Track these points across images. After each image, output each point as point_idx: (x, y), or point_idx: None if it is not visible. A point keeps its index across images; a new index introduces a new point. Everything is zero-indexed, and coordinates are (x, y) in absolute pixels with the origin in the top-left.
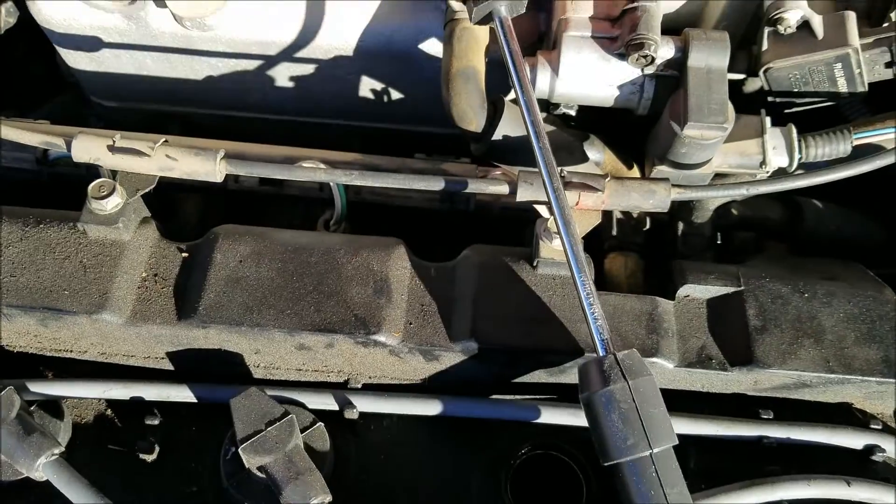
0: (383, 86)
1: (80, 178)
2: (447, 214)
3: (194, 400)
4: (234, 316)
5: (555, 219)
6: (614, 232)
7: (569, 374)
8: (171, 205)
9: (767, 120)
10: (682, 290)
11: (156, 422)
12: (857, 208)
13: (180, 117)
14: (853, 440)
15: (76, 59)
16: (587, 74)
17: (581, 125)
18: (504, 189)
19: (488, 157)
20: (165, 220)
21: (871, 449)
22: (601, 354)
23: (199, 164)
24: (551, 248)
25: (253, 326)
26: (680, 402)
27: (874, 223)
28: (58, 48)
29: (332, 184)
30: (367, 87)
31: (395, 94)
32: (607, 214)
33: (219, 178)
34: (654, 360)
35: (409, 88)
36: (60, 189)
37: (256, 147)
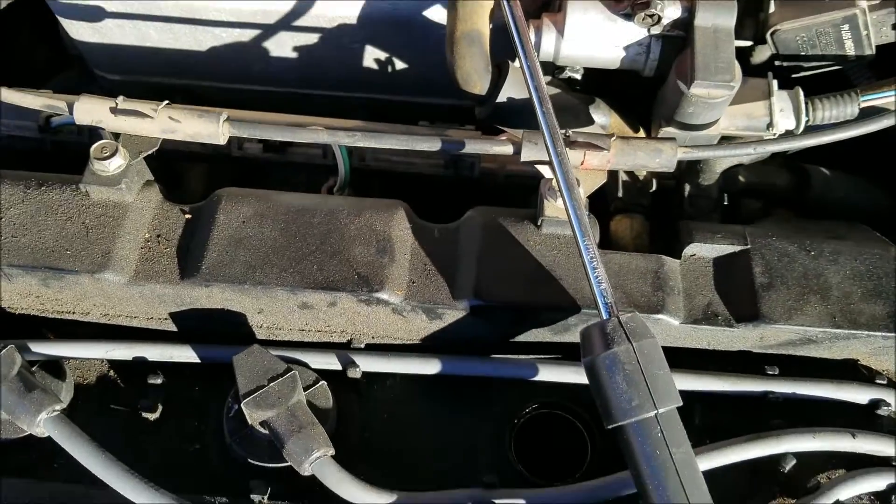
0: (388, 55)
1: (83, 146)
2: (451, 181)
3: (197, 360)
4: (236, 274)
5: (557, 179)
6: (620, 194)
7: (573, 333)
8: (176, 174)
9: (774, 82)
10: (689, 249)
11: (158, 381)
12: (865, 176)
13: (184, 90)
14: (859, 395)
15: (79, 31)
16: (593, 35)
17: (587, 89)
18: (508, 149)
19: (493, 120)
20: (170, 189)
21: (876, 403)
22: (604, 318)
23: (203, 125)
24: (556, 207)
25: (256, 284)
26: (685, 359)
27: (881, 191)
28: (60, 19)
29: (335, 149)
30: (372, 56)
31: (400, 64)
32: (613, 176)
33: (222, 140)
34: (660, 316)
35: (413, 57)
36: (63, 157)
37: (260, 114)
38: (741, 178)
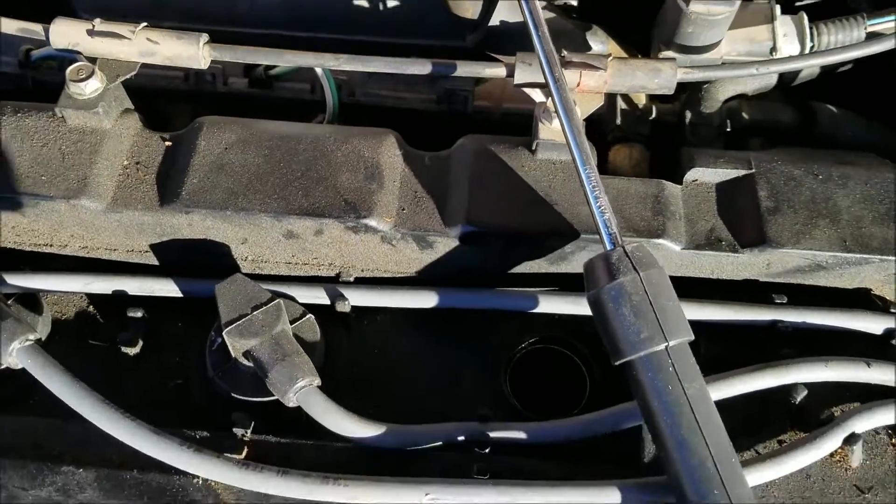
0: None
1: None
2: (444, 118)
3: (179, 294)
4: (218, 200)
5: (554, 101)
6: (618, 122)
7: (571, 262)
8: (160, 115)
9: (777, 6)
10: (690, 174)
11: (139, 314)
12: (876, 118)
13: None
14: (872, 324)
15: None
16: None
17: (583, 17)
18: (501, 71)
19: (485, 47)
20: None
21: (891, 333)
22: (608, 248)
23: (182, 47)
24: (551, 130)
25: (238, 211)
26: (689, 289)
27: (892, 132)
28: None
29: (322, 80)
30: None
31: (393, 2)
32: (611, 103)
33: (203, 64)
34: (661, 241)
35: None
36: (45, 96)
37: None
38: (745, 115)
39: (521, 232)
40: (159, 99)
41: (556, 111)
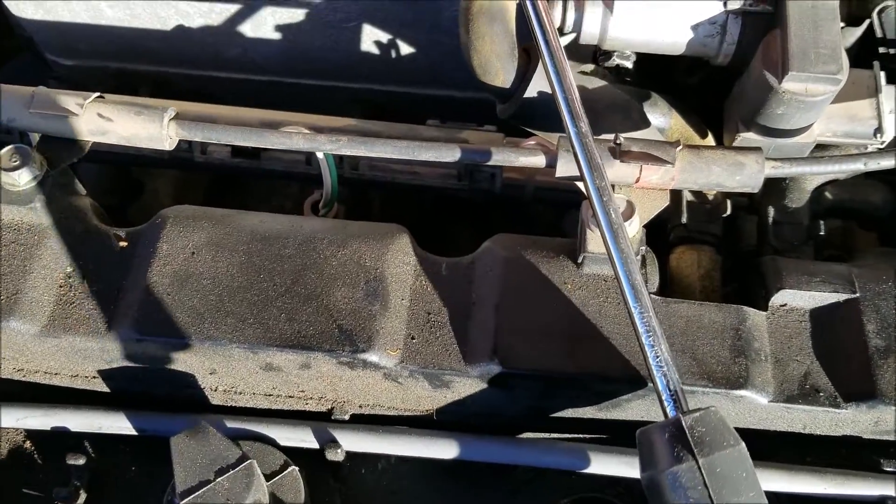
0: (390, 36)
1: None
2: (467, 197)
3: (133, 432)
4: (179, 326)
5: (595, 212)
6: (684, 219)
7: (625, 409)
8: (135, 185)
9: (882, 75)
10: (778, 298)
11: (81, 461)
12: None
13: (150, 78)
14: None
15: (22, 8)
16: (650, 11)
17: (640, 82)
18: (539, 160)
19: (519, 120)
20: (129, 204)
21: None
22: (671, 416)
23: (141, 125)
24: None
25: (203, 340)
26: (775, 446)
27: None
28: None
29: (318, 156)
30: (370, 37)
31: (405, 48)
32: (675, 196)
33: (167, 145)
34: (743, 393)
35: (421, 39)
36: None
37: (227, 110)
38: (828, 195)
39: (563, 374)
40: (138, 165)
41: (597, 220)
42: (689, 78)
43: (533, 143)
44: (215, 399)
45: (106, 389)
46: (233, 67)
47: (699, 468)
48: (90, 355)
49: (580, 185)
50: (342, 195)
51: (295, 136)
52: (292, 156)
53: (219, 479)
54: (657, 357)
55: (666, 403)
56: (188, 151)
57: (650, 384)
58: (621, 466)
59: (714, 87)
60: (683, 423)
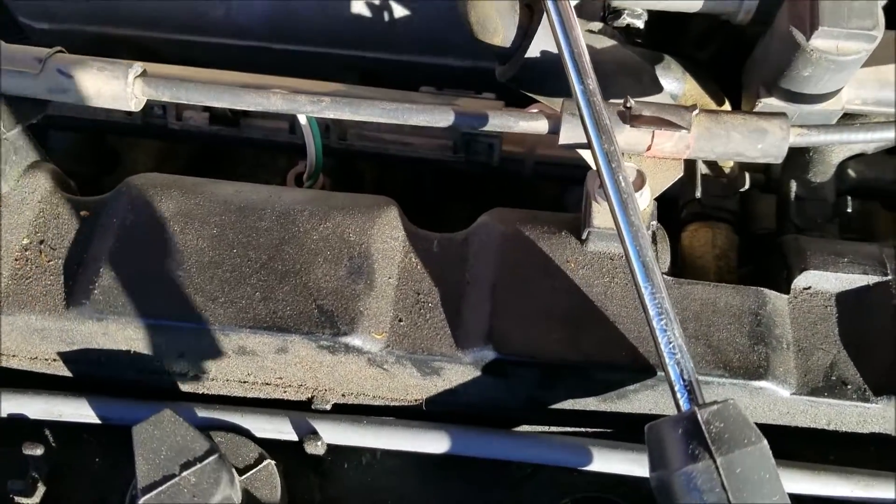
0: None
1: None
2: (463, 171)
3: (96, 420)
4: (142, 304)
5: (603, 180)
6: (698, 193)
7: (632, 401)
8: (111, 154)
9: None
10: (801, 279)
11: (39, 451)
12: None
13: (130, 43)
14: None
15: None
16: None
17: (652, 43)
18: (541, 125)
19: (519, 84)
20: (104, 174)
21: None
22: (684, 409)
23: (104, 82)
24: (609, 215)
25: (169, 320)
26: (796, 445)
27: None
28: None
29: (301, 122)
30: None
31: (399, 10)
32: (688, 168)
33: (133, 105)
34: (763, 384)
35: (416, 1)
36: None
37: (206, 72)
38: (851, 172)
39: (566, 362)
40: (115, 133)
41: (606, 191)
42: (699, 51)
43: (535, 109)
44: (185, 386)
45: (68, 374)
46: (216, 31)
47: (717, 468)
48: (49, 335)
49: (586, 154)
50: (329, 167)
51: (273, 96)
52: (274, 123)
53: (184, 473)
54: (670, 343)
55: (679, 395)
56: (162, 117)
57: (661, 374)
58: (628, 464)
59: (726, 62)
60: (699, 418)
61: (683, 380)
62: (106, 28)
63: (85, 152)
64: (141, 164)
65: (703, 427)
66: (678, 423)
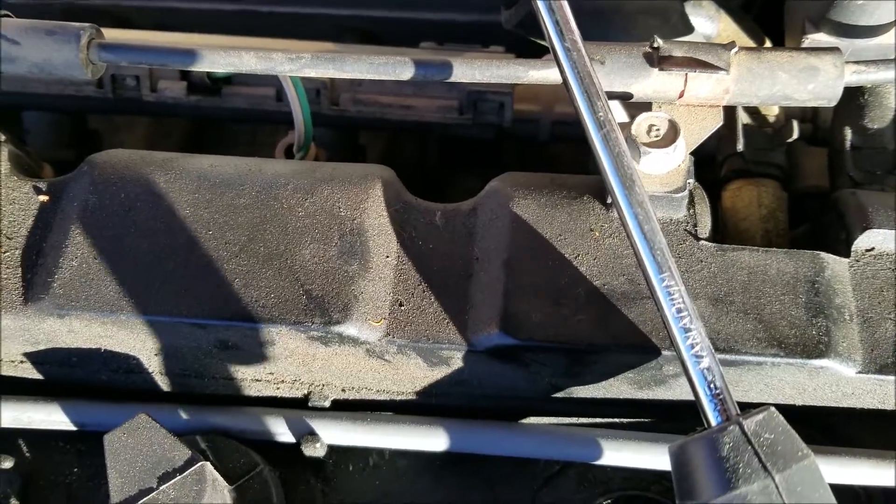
0: None
1: None
2: (471, 135)
3: (71, 426)
4: (108, 297)
5: (593, 142)
6: (740, 146)
7: (672, 387)
8: (90, 135)
9: None
10: (863, 240)
11: (9, 464)
12: None
13: (108, 13)
14: None
15: None
16: None
17: None
18: (552, 74)
19: (527, 30)
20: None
21: None
22: (715, 423)
23: (54, 48)
24: (645, 175)
25: (139, 314)
26: (856, 430)
27: None
28: None
29: (287, 87)
30: None
31: None
32: (728, 117)
33: (88, 73)
34: (824, 362)
35: None
36: None
37: (180, 37)
38: None
39: (594, 346)
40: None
41: (597, 153)
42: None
43: (547, 58)
44: (167, 385)
45: (38, 376)
46: None
47: (776, 487)
48: (10, 335)
49: (615, 105)
50: (325, 139)
51: (245, 55)
52: (259, 90)
53: (162, 486)
54: (694, 347)
55: (708, 407)
56: (136, 89)
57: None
58: (668, 457)
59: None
60: (745, 430)
61: (712, 389)
62: None
63: (63, 135)
64: (129, 147)
65: (753, 440)
66: (716, 439)
